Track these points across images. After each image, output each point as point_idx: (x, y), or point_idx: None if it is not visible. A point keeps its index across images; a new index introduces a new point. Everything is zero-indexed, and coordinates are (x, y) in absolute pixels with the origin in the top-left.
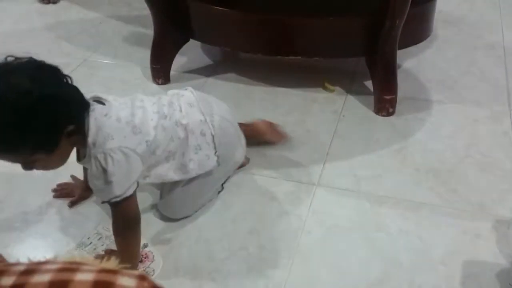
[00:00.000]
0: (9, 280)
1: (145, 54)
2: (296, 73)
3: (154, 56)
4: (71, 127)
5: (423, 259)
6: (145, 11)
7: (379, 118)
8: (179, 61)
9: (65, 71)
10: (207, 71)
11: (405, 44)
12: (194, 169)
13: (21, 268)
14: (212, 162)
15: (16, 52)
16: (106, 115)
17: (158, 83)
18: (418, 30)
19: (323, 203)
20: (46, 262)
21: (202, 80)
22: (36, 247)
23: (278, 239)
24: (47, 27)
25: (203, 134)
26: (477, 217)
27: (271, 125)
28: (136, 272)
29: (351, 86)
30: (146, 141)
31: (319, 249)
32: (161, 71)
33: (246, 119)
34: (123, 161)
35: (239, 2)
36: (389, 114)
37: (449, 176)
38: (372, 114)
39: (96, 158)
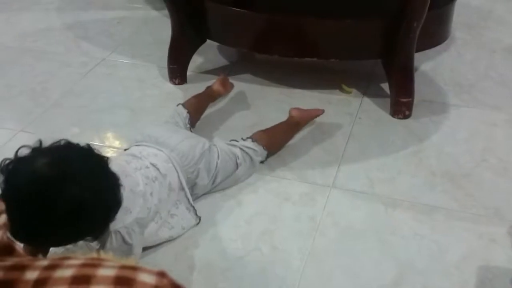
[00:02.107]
0: (33, 274)
1: (163, 54)
2: (312, 74)
3: (172, 56)
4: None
5: (437, 263)
6: (163, 11)
7: (395, 120)
8: (196, 62)
9: (84, 70)
10: (223, 72)
11: (422, 47)
12: (178, 222)
13: (45, 263)
14: (192, 214)
15: (35, 51)
16: (121, 186)
17: (175, 83)
18: (436, 32)
19: (337, 205)
20: (69, 258)
21: None
22: None
23: (291, 240)
24: (66, 26)
25: (181, 189)
26: (493, 222)
27: (223, 79)
28: (155, 269)
29: (368, 88)
30: (148, 208)
31: (332, 251)
32: (178, 71)
33: (261, 120)
34: (139, 231)
35: (256, 4)
36: (406, 117)
37: (465, 180)
38: (388, 116)
39: (117, 233)
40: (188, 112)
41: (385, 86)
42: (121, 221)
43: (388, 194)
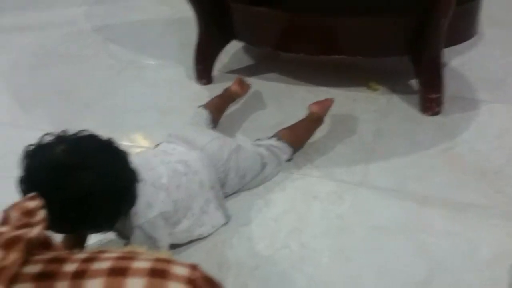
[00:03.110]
0: (72, 266)
1: (189, 55)
2: (339, 72)
3: (198, 57)
4: (128, 208)
5: (469, 260)
6: (189, 12)
7: (425, 117)
8: (222, 62)
9: (112, 72)
10: (249, 71)
11: (451, 42)
12: (208, 220)
13: (83, 256)
14: (221, 212)
15: (66, 54)
16: (142, 180)
17: (201, 83)
18: (464, 28)
19: (366, 203)
20: (105, 251)
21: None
22: None
23: (320, 238)
24: (95, 30)
25: (211, 188)
26: None
27: (239, 80)
28: (188, 262)
29: (396, 85)
30: (174, 201)
31: (362, 249)
32: (204, 72)
33: (287, 118)
34: (164, 225)
35: (281, 3)
36: (435, 113)
37: (497, 177)
38: (417, 113)
39: (141, 228)
40: (210, 113)
41: (414, 83)
42: (144, 216)
43: (419, 192)
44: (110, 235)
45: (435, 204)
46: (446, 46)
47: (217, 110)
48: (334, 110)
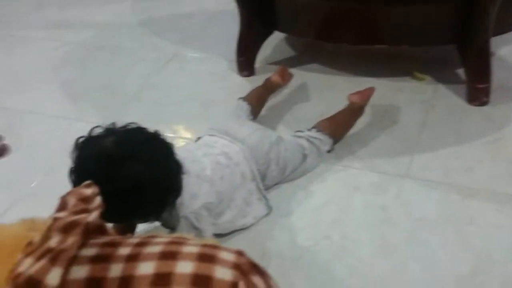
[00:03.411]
0: (125, 250)
1: (231, 48)
2: (382, 62)
3: (240, 49)
4: (174, 199)
5: None
6: (231, 5)
7: (472, 108)
8: (263, 54)
9: (157, 65)
10: (290, 63)
11: (499, 31)
12: (251, 211)
13: (135, 240)
14: (263, 204)
15: (112, 47)
16: (186, 172)
17: (243, 76)
18: None
19: (410, 195)
20: (155, 236)
21: None
22: None
23: (362, 229)
24: (140, 23)
25: (252, 179)
26: None
27: (281, 70)
28: (234, 248)
29: (442, 75)
30: (217, 192)
31: (405, 241)
32: (246, 64)
33: (329, 109)
34: (208, 216)
35: None
36: (483, 103)
37: None
38: (464, 103)
39: (186, 218)
40: (249, 104)
41: (460, 72)
42: (189, 207)
43: (465, 184)
44: (156, 224)
45: (481, 196)
46: (495, 35)
47: (257, 101)
48: (378, 100)
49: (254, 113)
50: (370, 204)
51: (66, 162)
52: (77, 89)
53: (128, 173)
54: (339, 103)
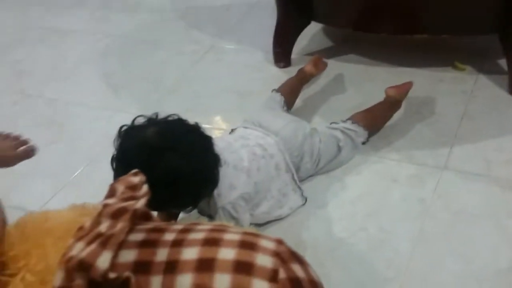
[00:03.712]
0: (171, 236)
1: (267, 39)
2: (422, 52)
3: (277, 40)
4: (211, 190)
5: None
6: None
7: None
8: (300, 44)
9: (195, 57)
10: (328, 54)
11: None
12: (287, 202)
13: (179, 227)
14: (298, 194)
15: (152, 40)
16: (224, 163)
17: (279, 67)
18: None
19: (449, 188)
20: (198, 224)
21: None
22: None
23: (399, 222)
24: (178, 16)
25: (287, 171)
26: None
27: (315, 60)
28: (274, 237)
29: (483, 65)
30: (255, 183)
31: (443, 234)
32: (282, 55)
33: (367, 101)
34: (245, 206)
35: None
36: None
37: None
38: (505, 94)
39: (224, 209)
40: (282, 96)
41: (502, 62)
42: (227, 197)
43: (506, 176)
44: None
45: None
46: None
47: (290, 92)
48: (417, 90)
49: (288, 104)
50: (407, 196)
51: (107, 152)
52: (118, 81)
53: (168, 165)
54: (377, 95)
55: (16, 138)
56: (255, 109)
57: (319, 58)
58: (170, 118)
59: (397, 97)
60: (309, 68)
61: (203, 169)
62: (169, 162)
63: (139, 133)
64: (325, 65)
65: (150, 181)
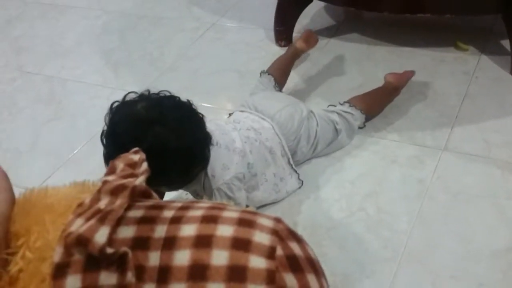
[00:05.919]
0: (170, 213)
1: (269, 17)
2: (424, 31)
3: (278, 18)
4: (200, 169)
5: None
6: None
7: None
8: (302, 23)
9: (195, 35)
10: (330, 32)
11: None
12: (283, 186)
13: (179, 204)
14: (294, 178)
15: (152, 17)
16: (216, 144)
17: (280, 45)
18: None
19: (449, 169)
20: (198, 201)
21: (324, 41)
22: None
23: (398, 202)
24: None
25: (283, 155)
26: None
27: (307, 35)
28: (272, 215)
29: (486, 45)
30: (249, 163)
31: (442, 215)
32: (284, 33)
33: (368, 80)
34: (240, 185)
35: None
36: None
37: None
38: (508, 75)
39: (219, 189)
40: (272, 76)
41: (505, 43)
42: (221, 178)
43: (506, 158)
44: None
45: None
46: None
47: (282, 71)
48: (419, 71)
49: (280, 84)
50: (407, 177)
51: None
52: (117, 58)
53: (155, 137)
54: (378, 74)
55: None
56: (251, 93)
57: (310, 33)
58: (161, 94)
59: (396, 84)
60: (300, 43)
61: (192, 146)
62: (156, 135)
63: (129, 108)
64: (317, 40)
65: None
